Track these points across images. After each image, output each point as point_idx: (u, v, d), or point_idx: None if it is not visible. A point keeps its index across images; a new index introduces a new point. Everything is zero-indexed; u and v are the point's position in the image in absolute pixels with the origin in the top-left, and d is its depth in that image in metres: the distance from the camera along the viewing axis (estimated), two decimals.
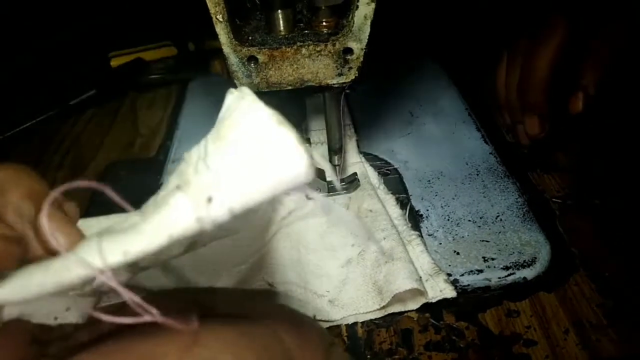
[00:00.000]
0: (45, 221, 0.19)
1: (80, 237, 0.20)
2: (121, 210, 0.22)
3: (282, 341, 0.22)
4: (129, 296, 0.18)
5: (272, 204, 0.20)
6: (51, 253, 0.20)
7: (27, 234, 0.20)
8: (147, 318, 0.18)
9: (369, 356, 0.36)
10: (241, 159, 0.19)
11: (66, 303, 0.23)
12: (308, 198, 0.45)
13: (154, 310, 0.18)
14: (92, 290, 0.21)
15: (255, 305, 0.26)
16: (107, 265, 0.18)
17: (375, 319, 0.38)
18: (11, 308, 0.21)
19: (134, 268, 0.24)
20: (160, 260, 0.29)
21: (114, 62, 0.75)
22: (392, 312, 0.38)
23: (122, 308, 0.19)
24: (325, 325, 0.38)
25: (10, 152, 0.62)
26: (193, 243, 0.34)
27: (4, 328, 0.21)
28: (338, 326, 0.38)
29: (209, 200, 0.18)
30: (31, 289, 0.18)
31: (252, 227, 0.43)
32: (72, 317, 0.23)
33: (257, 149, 0.18)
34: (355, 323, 0.38)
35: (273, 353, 0.21)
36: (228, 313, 0.23)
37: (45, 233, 0.19)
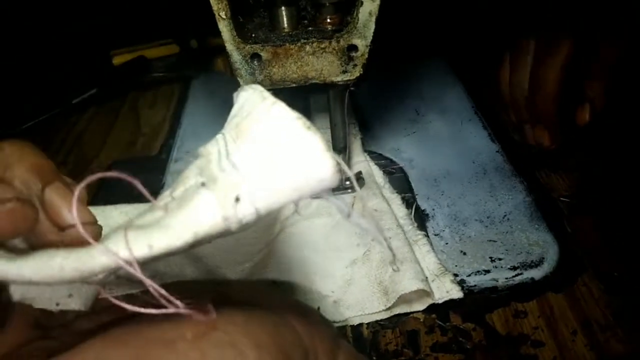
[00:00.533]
0: (54, 193, 0.19)
1: (88, 214, 0.20)
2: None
3: (294, 329, 0.22)
4: (153, 287, 0.18)
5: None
6: (58, 226, 0.19)
7: (36, 209, 0.19)
8: (170, 310, 0.18)
9: (374, 357, 0.36)
10: (267, 160, 0.18)
11: (69, 289, 0.23)
12: (311, 199, 0.45)
13: (178, 302, 0.18)
14: (97, 279, 0.22)
15: (265, 296, 0.27)
16: (133, 257, 0.18)
17: (381, 320, 0.38)
18: (14, 289, 0.21)
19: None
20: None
21: (116, 60, 0.75)
22: (397, 313, 0.38)
23: (130, 299, 0.19)
24: None
25: None
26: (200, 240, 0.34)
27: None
28: (343, 327, 0.38)
29: (237, 199, 0.18)
30: (51, 271, 0.18)
31: (256, 226, 0.43)
32: (74, 304, 0.23)
33: (283, 151, 0.18)
34: (361, 324, 0.38)
35: (287, 339, 0.21)
36: (241, 301, 0.24)
37: (56, 205, 0.19)
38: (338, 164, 0.18)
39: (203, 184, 0.19)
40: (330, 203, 0.46)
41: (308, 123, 0.19)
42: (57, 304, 0.22)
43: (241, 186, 0.18)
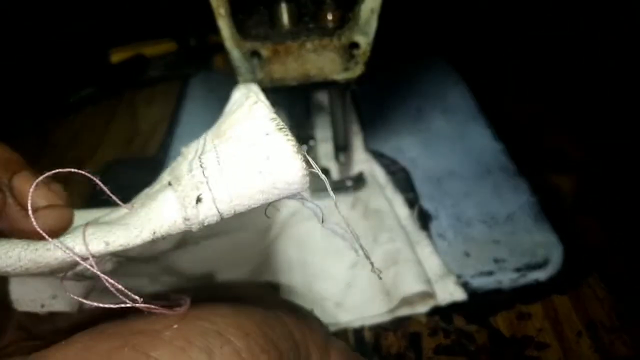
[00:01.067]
0: (21, 181, 0.20)
1: (55, 197, 0.21)
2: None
3: (285, 323, 0.23)
4: (110, 282, 0.18)
5: (275, 205, 0.20)
6: (26, 210, 0.20)
7: (4, 193, 0.20)
8: (128, 304, 0.18)
9: None
10: (237, 161, 0.18)
11: (52, 291, 0.23)
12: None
13: (136, 297, 0.18)
14: (74, 275, 0.21)
15: (261, 295, 0.28)
16: (88, 252, 0.18)
17: (383, 322, 0.37)
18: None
19: (120, 257, 0.25)
20: (149, 252, 0.29)
21: (114, 58, 0.74)
22: (400, 315, 0.37)
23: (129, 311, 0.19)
24: (331, 329, 0.37)
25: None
26: (183, 241, 0.34)
27: None
28: (344, 330, 0.37)
29: (199, 200, 0.18)
30: (9, 260, 0.18)
31: (251, 228, 0.42)
32: (58, 305, 0.23)
33: (253, 152, 0.18)
34: (362, 327, 0.37)
35: (276, 331, 0.22)
36: (241, 297, 0.24)
37: (23, 191, 0.20)
38: (308, 167, 0.18)
39: (170, 184, 0.19)
40: (331, 203, 0.45)
41: (282, 124, 0.18)
42: (42, 306, 0.23)
43: (204, 187, 0.18)
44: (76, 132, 0.64)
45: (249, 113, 0.20)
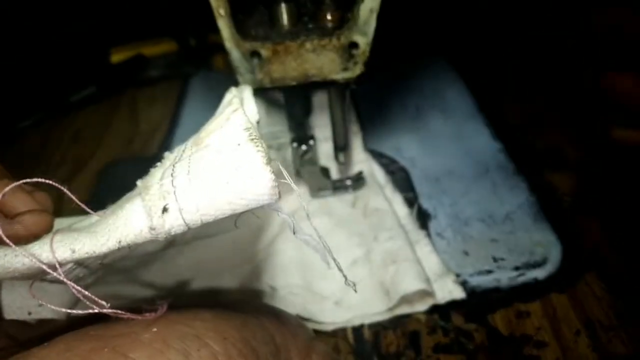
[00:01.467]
0: None
1: (33, 203, 0.21)
2: None
3: (265, 327, 0.23)
4: (77, 290, 0.19)
5: (254, 212, 0.20)
6: (7, 216, 0.21)
7: None
8: (95, 310, 0.19)
9: (375, 359, 0.35)
10: (206, 170, 0.18)
11: (38, 299, 0.23)
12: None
13: (103, 302, 0.19)
14: (53, 280, 0.22)
15: (239, 298, 0.29)
16: (55, 259, 0.18)
17: (382, 320, 0.38)
18: None
19: (104, 262, 0.25)
20: (137, 253, 0.29)
21: (115, 58, 0.75)
22: (399, 313, 0.38)
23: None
24: (331, 327, 0.37)
25: (10, 149, 0.61)
26: (172, 241, 0.34)
27: None
28: (344, 329, 0.37)
29: (165, 210, 0.18)
30: None
31: (249, 227, 0.42)
32: (45, 312, 0.23)
33: (224, 162, 0.18)
34: (362, 325, 0.38)
35: (256, 335, 0.22)
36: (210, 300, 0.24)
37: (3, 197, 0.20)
38: (280, 179, 0.18)
39: (140, 192, 0.19)
40: (329, 204, 0.45)
41: (255, 134, 0.18)
42: (29, 313, 0.23)
43: (170, 197, 0.18)
44: (77, 131, 0.64)
45: (227, 121, 0.20)
